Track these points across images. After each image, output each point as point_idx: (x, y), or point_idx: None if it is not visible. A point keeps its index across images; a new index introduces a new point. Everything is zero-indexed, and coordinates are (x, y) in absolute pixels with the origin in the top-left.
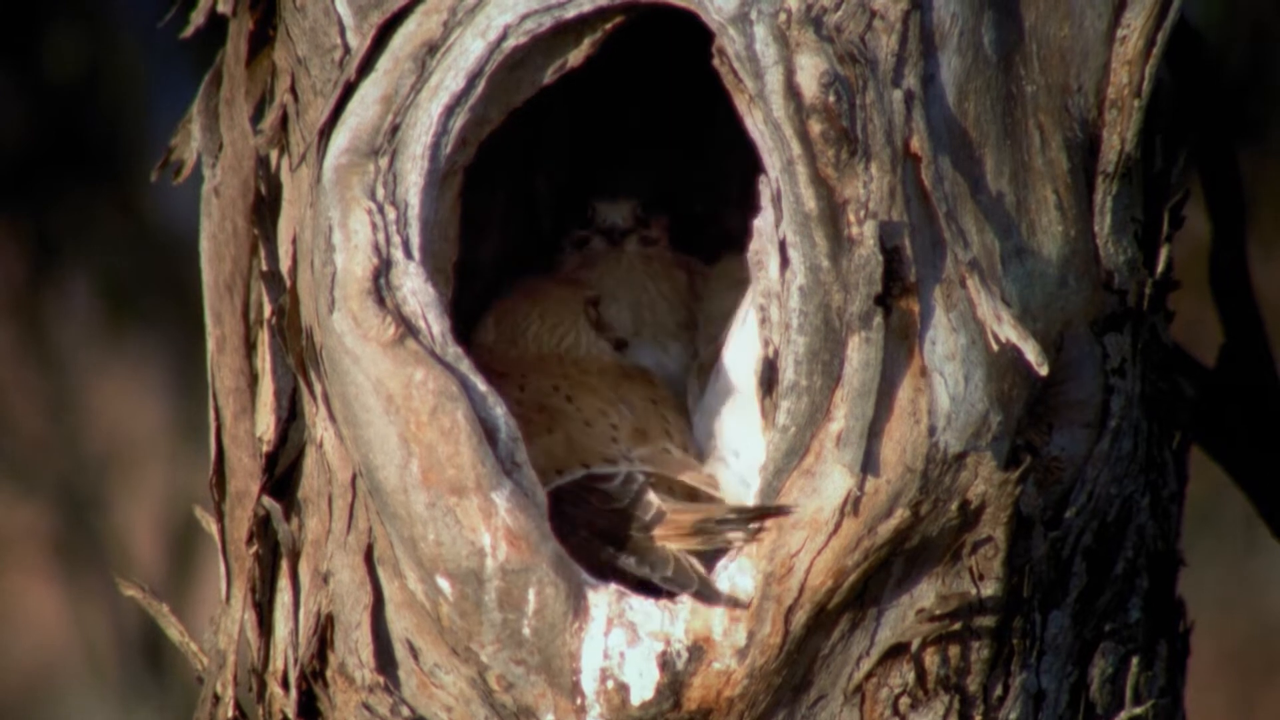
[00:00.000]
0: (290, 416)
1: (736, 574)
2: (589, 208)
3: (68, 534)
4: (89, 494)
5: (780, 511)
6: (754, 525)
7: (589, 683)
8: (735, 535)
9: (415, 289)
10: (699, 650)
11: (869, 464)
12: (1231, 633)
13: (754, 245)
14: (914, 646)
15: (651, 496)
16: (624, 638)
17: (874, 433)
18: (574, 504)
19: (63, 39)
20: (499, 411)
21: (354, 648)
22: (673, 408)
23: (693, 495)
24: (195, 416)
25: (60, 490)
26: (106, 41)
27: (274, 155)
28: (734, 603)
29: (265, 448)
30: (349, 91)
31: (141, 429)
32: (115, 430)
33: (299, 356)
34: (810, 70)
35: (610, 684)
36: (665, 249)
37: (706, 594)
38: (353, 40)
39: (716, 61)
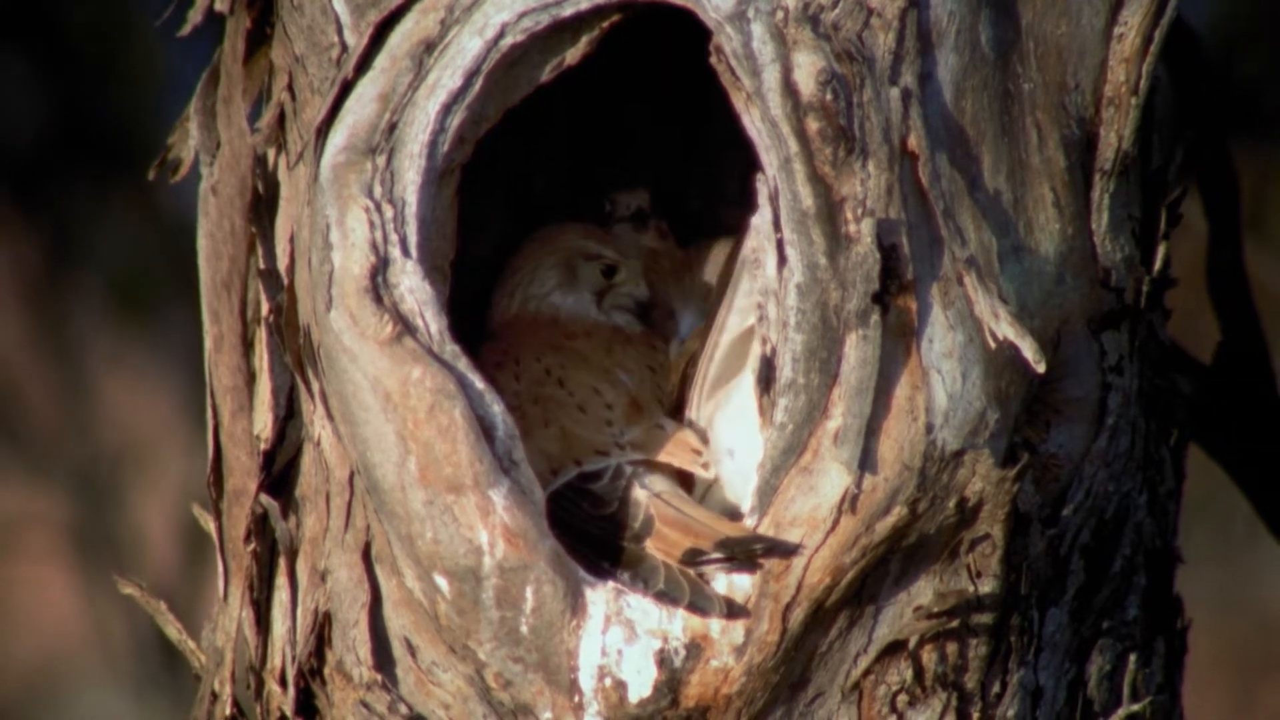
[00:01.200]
0: (288, 415)
1: (734, 572)
2: (606, 202)
3: (83, 525)
4: (104, 485)
5: (775, 551)
6: (744, 558)
7: (587, 680)
8: (725, 566)
9: (413, 287)
10: (697, 648)
11: (867, 462)
12: (1231, 630)
13: (751, 243)
14: (912, 644)
15: (639, 494)
16: (622, 635)
17: (872, 430)
18: (568, 511)
19: (78, 30)
20: (496, 409)
21: (352, 645)
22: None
23: (684, 477)
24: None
25: (75, 482)
26: (122, 32)
27: (271, 153)
28: (729, 612)
29: (263, 446)
30: (346, 90)
31: (156, 420)
32: (130, 421)
33: (296, 355)
34: (807, 68)
35: (608, 681)
36: (642, 329)
37: (700, 604)
38: (350, 38)
39: (714, 59)
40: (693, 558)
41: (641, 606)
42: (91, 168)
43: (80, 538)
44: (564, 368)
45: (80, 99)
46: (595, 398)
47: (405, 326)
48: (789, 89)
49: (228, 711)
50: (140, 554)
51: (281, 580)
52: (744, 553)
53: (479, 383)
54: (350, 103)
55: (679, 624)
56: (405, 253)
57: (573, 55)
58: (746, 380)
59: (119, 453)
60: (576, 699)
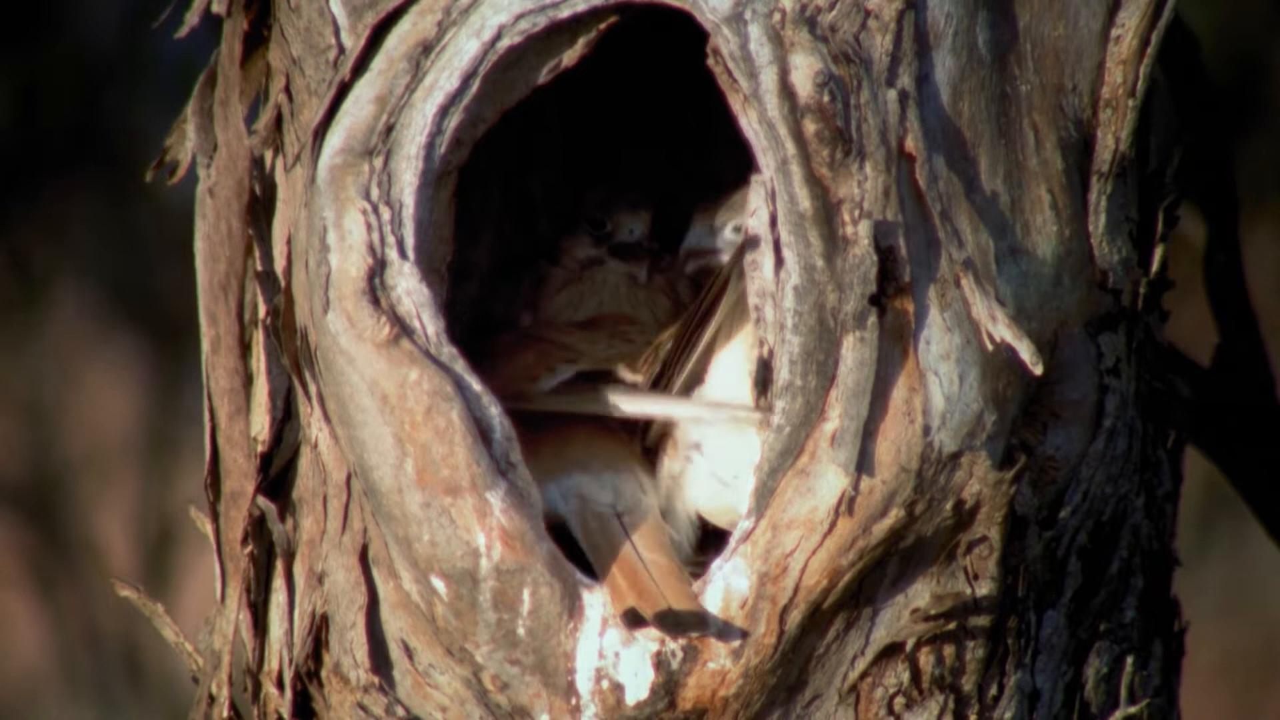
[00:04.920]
0: (285, 417)
1: (731, 574)
2: (607, 223)
3: (41, 544)
4: (62, 503)
5: (714, 636)
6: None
7: (584, 683)
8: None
9: (410, 289)
10: (694, 650)
11: (864, 464)
12: (1234, 636)
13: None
14: (909, 646)
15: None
16: (619, 637)
17: (869, 432)
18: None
19: (35, 36)
20: (494, 411)
21: (349, 648)
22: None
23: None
24: (170, 422)
25: (33, 499)
26: (77, 38)
27: (269, 156)
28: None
29: (260, 448)
30: (343, 91)
31: (115, 436)
32: (88, 437)
33: (294, 357)
34: (805, 70)
35: (605, 684)
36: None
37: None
38: (347, 40)
39: (711, 61)
40: (631, 619)
41: None
42: (54, 179)
43: (40, 556)
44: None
45: (47, 105)
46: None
47: (402, 328)
48: (786, 91)
49: (225, 714)
50: (101, 571)
51: (279, 583)
52: (679, 632)
53: (476, 385)
54: (347, 105)
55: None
56: (403, 255)
57: (570, 57)
58: (717, 375)
59: (78, 469)
60: (574, 701)
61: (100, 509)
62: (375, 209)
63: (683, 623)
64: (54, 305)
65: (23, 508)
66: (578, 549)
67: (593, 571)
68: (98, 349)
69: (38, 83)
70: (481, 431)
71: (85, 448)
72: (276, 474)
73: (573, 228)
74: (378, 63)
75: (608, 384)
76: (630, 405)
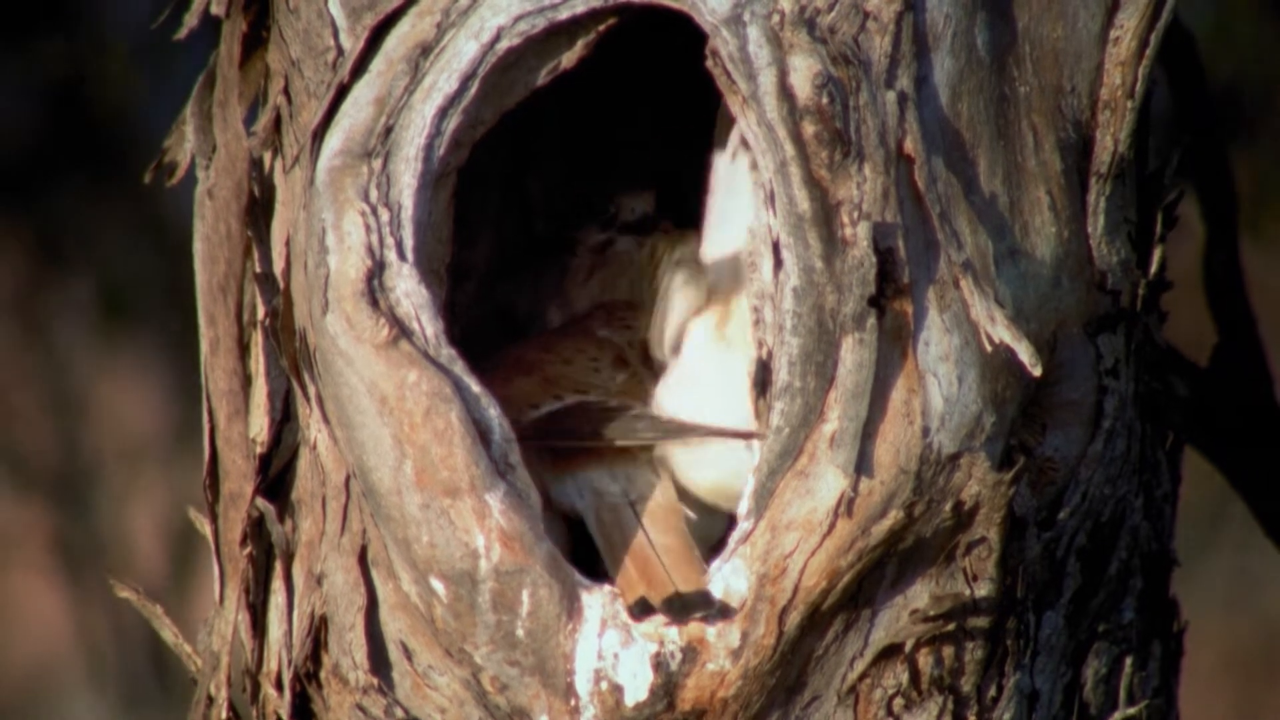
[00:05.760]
0: (284, 418)
1: (731, 575)
2: (610, 206)
3: (69, 534)
4: (90, 494)
5: (714, 618)
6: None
7: (583, 684)
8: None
9: (409, 291)
10: (693, 651)
11: (863, 465)
12: (1235, 635)
13: (747, 246)
14: (908, 647)
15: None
16: (618, 639)
17: (868, 434)
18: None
19: (60, 36)
20: (492, 413)
21: (348, 649)
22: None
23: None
24: (196, 416)
25: (61, 490)
26: (101, 37)
27: (267, 157)
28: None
29: (259, 449)
30: (342, 93)
31: (142, 428)
32: (117, 430)
33: (292, 358)
34: (804, 72)
35: (604, 685)
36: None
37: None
38: (346, 42)
39: (710, 63)
40: (641, 609)
41: None
42: (78, 176)
43: (66, 548)
44: (547, 340)
45: (66, 106)
46: (580, 354)
47: (401, 330)
48: (785, 92)
49: (224, 715)
50: (126, 564)
51: (278, 584)
52: (686, 615)
53: (475, 386)
54: (346, 106)
55: (675, 627)
56: (401, 256)
57: (568, 59)
58: (690, 344)
59: (106, 461)
60: (573, 702)
61: (128, 502)
62: (374, 210)
63: (688, 605)
64: (83, 298)
65: (51, 500)
66: (577, 550)
67: (592, 572)
68: (126, 343)
69: (70, 79)
70: (480, 433)
71: (114, 442)
72: (275, 475)
73: (580, 220)
74: (376, 64)
75: (607, 416)
76: (623, 438)
